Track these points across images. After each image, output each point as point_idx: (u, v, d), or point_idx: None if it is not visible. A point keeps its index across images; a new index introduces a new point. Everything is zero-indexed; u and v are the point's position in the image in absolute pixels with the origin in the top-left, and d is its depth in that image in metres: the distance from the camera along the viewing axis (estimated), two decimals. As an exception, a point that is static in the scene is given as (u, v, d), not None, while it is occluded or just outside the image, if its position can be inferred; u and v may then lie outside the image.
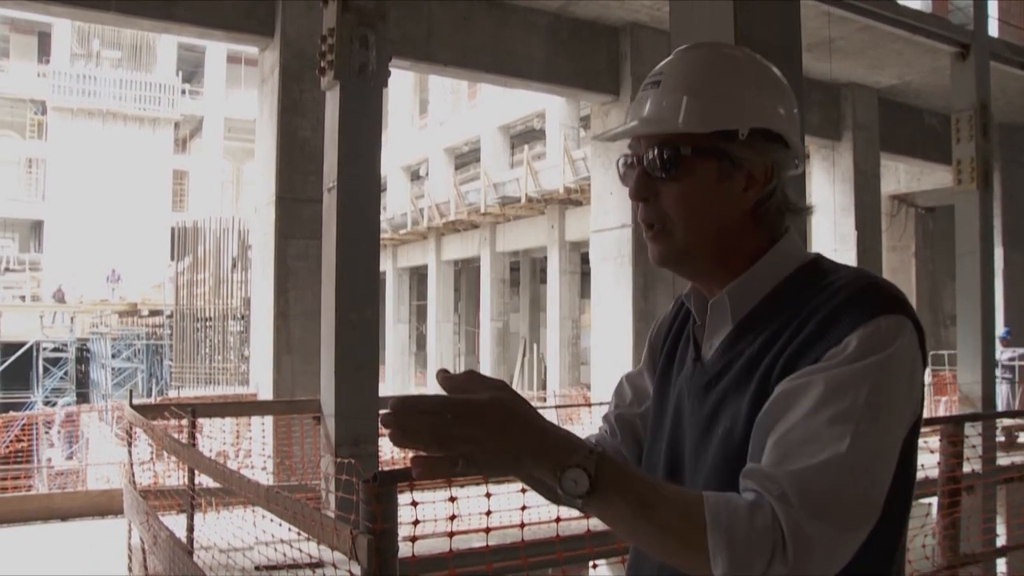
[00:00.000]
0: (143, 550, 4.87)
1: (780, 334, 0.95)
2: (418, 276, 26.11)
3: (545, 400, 16.31)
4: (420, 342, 26.75)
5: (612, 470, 0.82)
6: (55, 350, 25.79)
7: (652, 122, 1.00)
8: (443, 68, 9.92)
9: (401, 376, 25.37)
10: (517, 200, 18.94)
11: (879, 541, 0.90)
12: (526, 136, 22.76)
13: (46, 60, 31.74)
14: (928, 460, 3.69)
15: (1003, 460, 6.38)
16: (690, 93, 0.98)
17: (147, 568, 4.82)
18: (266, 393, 7.72)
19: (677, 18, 3.89)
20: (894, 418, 0.88)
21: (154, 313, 25.25)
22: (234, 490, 3.23)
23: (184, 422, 5.20)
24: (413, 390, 24.33)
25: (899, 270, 16.79)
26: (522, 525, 3.00)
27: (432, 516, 2.58)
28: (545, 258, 19.82)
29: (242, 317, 15.50)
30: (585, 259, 15.95)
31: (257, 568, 3.89)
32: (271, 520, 2.88)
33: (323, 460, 5.36)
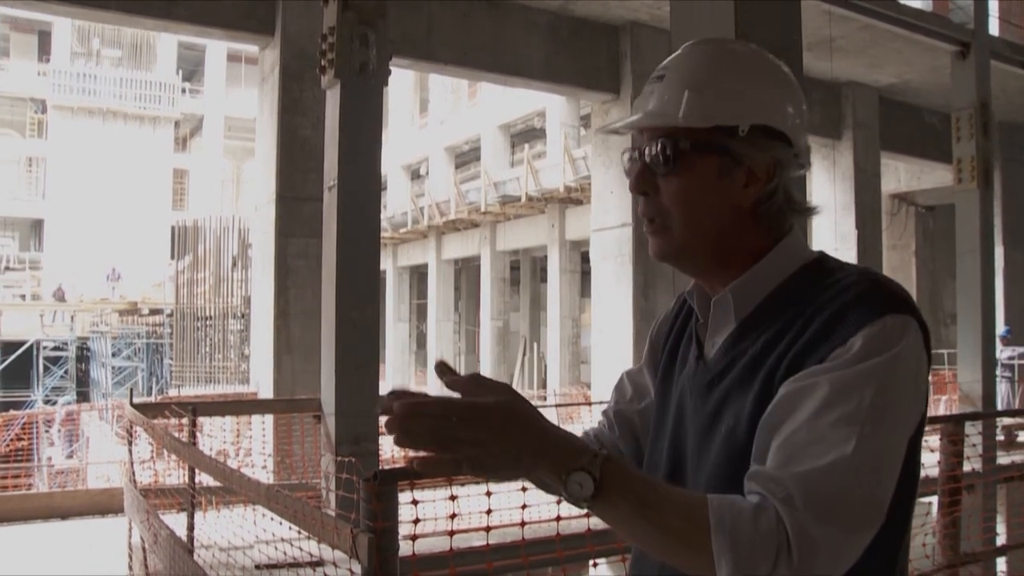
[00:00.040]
0: (143, 549, 4.87)
1: (784, 333, 0.94)
2: (418, 275, 26.12)
3: (545, 399, 16.32)
4: (420, 341, 26.76)
5: (617, 473, 0.82)
6: (55, 349, 25.81)
7: (653, 116, 1.00)
8: (443, 67, 9.93)
9: (401, 375, 25.37)
10: (517, 199, 18.95)
11: (883, 542, 0.89)
12: (526, 135, 22.76)
13: (46, 59, 31.72)
14: (928, 459, 3.69)
15: (1003, 459, 6.37)
16: (692, 88, 0.98)
17: (147, 567, 4.83)
18: (266, 392, 7.73)
19: (678, 17, 3.88)
20: (899, 419, 0.88)
21: (154, 312, 25.26)
22: (235, 489, 3.24)
23: (184, 421, 5.20)
24: (413, 388, 24.26)
25: (899, 269, 16.78)
26: (522, 524, 3.00)
27: (432, 515, 2.58)
28: (545, 257, 19.82)
29: (242, 316, 15.49)
30: (585, 258, 15.95)
31: (258, 567, 3.89)
32: (271, 519, 2.88)
33: (323, 459, 5.36)
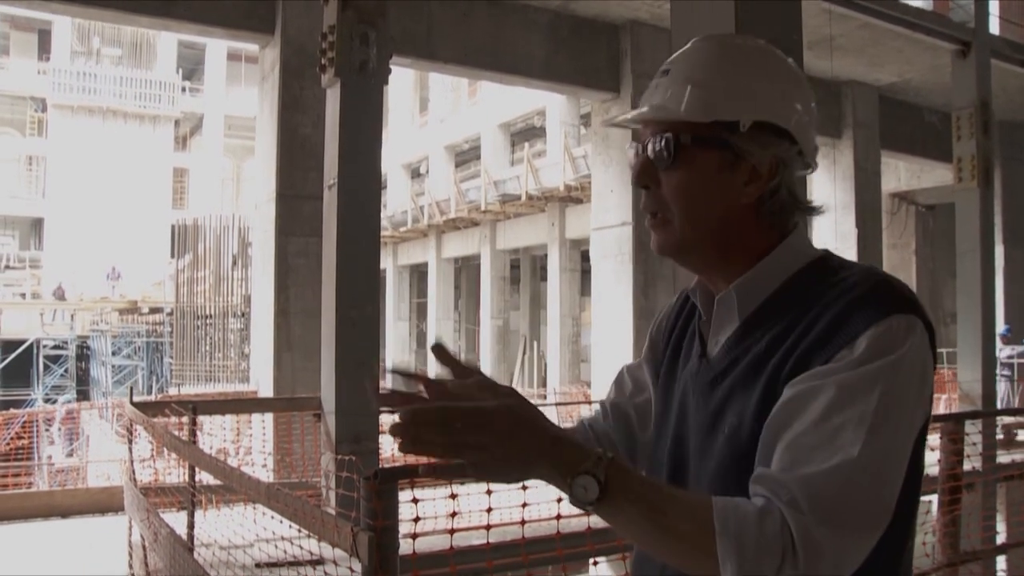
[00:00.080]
0: (144, 547, 4.88)
1: (789, 332, 0.94)
2: (418, 274, 26.11)
3: (545, 398, 16.32)
4: (420, 339, 26.76)
5: (621, 476, 0.82)
6: (55, 347, 25.83)
7: (656, 109, 1.00)
8: (443, 66, 9.92)
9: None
10: (517, 198, 18.94)
11: (888, 543, 0.89)
12: (526, 134, 22.75)
13: (46, 57, 31.71)
14: (928, 458, 3.67)
15: (1003, 458, 6.37)
16: (695, 82, 0.98)
17: (148, 565, 4.83)
18: (266, 390, 7.73)
19: (678, 16, 3.88)
20: (905, 420, 0.88)
21: (154, 310, 25.26)
22: (235, 487, 3.24)
23: (184, 419, 5.20)
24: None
25: (899, 268, 16.77)
26: (523, 522, 3.00)
27: (433, 513, 2.58)
28: (545, 256, 19.82)
29: (242, 314, 15.49)
30: (585, 257, 15.94)
31: (258, 565, 3.89)
32: (272, 517, 2.88)
33: (324, 457, 5.36)
